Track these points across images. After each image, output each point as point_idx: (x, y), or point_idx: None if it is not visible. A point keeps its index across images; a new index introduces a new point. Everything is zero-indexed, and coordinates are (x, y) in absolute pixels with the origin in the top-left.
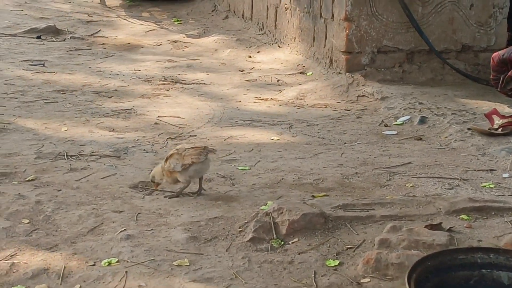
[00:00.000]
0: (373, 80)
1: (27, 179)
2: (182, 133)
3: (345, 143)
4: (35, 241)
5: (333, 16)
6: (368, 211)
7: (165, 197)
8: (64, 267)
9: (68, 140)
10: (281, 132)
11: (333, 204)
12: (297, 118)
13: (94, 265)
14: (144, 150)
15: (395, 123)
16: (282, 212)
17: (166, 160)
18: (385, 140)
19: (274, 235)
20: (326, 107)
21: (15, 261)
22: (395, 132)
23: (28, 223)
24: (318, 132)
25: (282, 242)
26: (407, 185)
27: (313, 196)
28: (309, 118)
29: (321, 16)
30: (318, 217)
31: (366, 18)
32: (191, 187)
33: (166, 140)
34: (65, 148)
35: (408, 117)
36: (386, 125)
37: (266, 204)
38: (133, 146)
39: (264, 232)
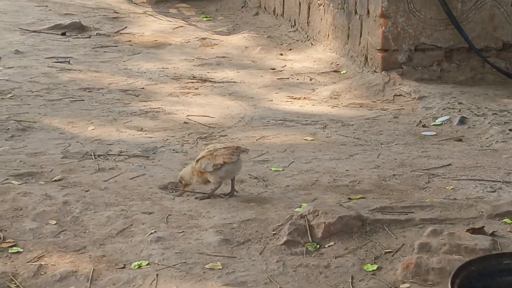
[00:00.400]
0: (410, 79)
1: (53, 179)
2: (213, 133)
3: (381, 143)
4: (63, 243)
5: (368, 12)
6: (407, 214)
7: (195, 198)
8: (93, 270)
9: (95, 140)
10: (315, 132)
11: (370, 206)
12: (331, 118)
13: (124, 267)
14: (173, 150)
15: (434, 123)
16: (317, 215)
17: (197, 161)
18: (423, 141)
19: (310, 238)
20: (361, 106)
21: (42, 263)
22: (434, 133)
23: (55, 224)
24: (354, 133)
25: (318, 246)
26: (447, 187)
27: (349, 198)
28: (344, 118)
29: (356, 12)
30: (355, 220)
31: (403, 15)
32: (223, 188)
33: (196, 140)
34: (92, 148)
35: (447, 117)
36: (424, 126)
37: (301, 206)
38: (162, 146)
39: (299, 235)
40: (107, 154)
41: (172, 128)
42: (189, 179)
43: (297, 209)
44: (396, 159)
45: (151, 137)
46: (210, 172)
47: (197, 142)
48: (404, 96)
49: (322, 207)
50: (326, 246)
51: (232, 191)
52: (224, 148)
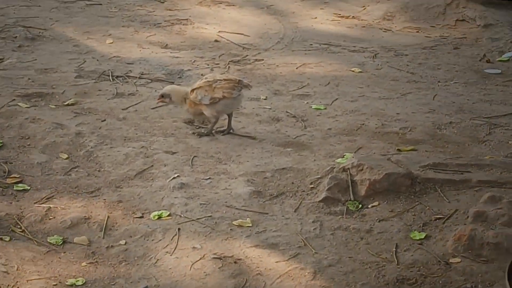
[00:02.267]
0: (476, 1)
1: (66, 103)
2: (247, 55)
3: (438, 81)
4: (74, 182)
5: None
6: (462, 173)
7: (193, 133)
8: (108, 217)
9: (114, 56)
10: (363, 62)
11: (422, 162)
12: (383, 45)
13: (142, 217)
14: (201, 74)
15: (500, 59)
16: (362, 169)
17: (192, 91)
18: (486, 81)
19: (351, 196)
20: (418, 32)
21: (51, 206)
22: (499, 71)
23: (66, 158)
24: (407, 65)
25: (360, 205)
26: (510, 142)
27: (398, 149)
28: (397, 46)
29: None
30: (404, 178)
31: None
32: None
33: (228, 63)
34: (110, 67)
35: None
36: (488, 61)
37: (344, 156)
38: (189, 69)
39: (339, 191)
40: (127, 76)
41: (201, 46)
42: (178, 102)
43: (339, 160)
44: (454, 102)
45: (177, 57)
46: (206, 105)
47: (229, 67)
48: (468, 22)
49: (367, 161)
50: (369, 206)
51: (228, 128)
52: (225, 80)
